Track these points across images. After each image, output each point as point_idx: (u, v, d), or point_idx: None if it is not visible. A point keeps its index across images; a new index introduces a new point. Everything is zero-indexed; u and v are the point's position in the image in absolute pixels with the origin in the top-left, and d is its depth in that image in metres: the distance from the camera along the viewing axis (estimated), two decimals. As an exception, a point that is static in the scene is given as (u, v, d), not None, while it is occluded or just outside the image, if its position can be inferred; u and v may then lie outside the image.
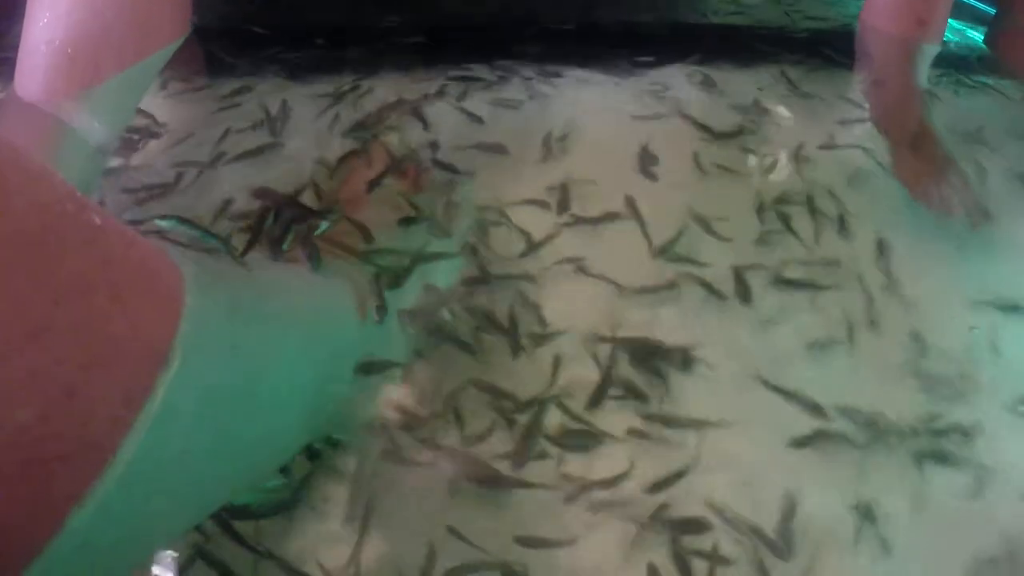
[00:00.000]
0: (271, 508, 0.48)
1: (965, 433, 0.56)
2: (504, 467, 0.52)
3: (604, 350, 0.59)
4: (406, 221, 0.64)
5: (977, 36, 1.09)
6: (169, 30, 0.85)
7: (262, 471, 0.44)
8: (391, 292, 0.57)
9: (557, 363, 0.58)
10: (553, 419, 0.55)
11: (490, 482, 0.51)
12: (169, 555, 0.45)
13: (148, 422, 0.29)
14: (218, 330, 0.34)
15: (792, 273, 0.66)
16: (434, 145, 0.75)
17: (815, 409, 0.57)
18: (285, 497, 0.48)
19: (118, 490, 0.28)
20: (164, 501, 0.32)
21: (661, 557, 0.49)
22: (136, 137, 0.75)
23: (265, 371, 0.38)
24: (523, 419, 0.54)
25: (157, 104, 0.79)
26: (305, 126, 0.77)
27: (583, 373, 0.58)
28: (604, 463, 0.53)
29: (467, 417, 0.54)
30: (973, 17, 1.11)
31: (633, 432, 0.55)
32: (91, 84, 0.75)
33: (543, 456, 0.53)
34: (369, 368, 0.53)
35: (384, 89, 0.82)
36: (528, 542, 0.49)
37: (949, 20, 0.98)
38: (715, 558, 0.49)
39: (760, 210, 0.72)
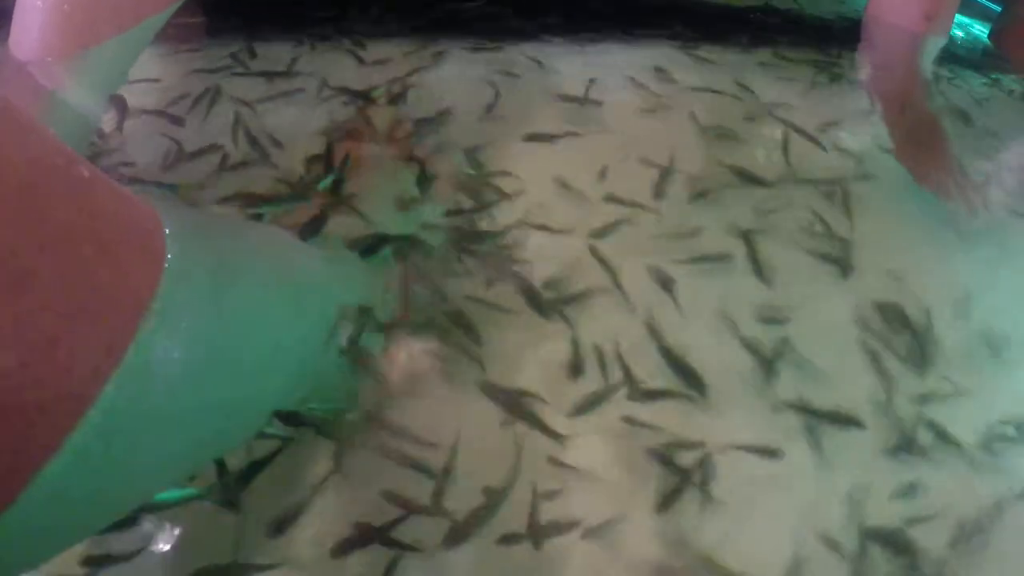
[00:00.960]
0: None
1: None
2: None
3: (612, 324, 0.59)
4: (402, 189, 0.64)
5: (982, 31, 1.08)
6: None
7: (245, 432, 0.44)
8: (383, 261, 0.56)
9: (557, 341, 0.58)
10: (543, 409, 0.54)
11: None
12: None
13: (129, 374, 0.29)
14: (202, 286, 0.34)
15: (792, 255, 0.66)
16: (434, 113, 0.74)
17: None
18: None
19: (96, 441, 0.28)
20: (145, 456, 0.32)
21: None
22: (130, 97, 0.74)
23: (250, 330, 0.38)
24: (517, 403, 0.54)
25: (152, 64, 0.79)
26: (303, 90, 0.76)
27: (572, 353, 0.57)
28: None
29: (454, 390, 0.54)
30: (978, 12, 1.11)
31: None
32: (88, 45, 0.74)
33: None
34: (357, 337, 0.52)
35: (384, 55, 0.82)
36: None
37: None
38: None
39: (759, 191, 0.71)
